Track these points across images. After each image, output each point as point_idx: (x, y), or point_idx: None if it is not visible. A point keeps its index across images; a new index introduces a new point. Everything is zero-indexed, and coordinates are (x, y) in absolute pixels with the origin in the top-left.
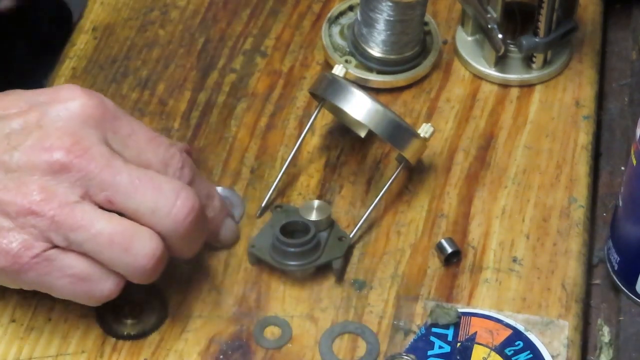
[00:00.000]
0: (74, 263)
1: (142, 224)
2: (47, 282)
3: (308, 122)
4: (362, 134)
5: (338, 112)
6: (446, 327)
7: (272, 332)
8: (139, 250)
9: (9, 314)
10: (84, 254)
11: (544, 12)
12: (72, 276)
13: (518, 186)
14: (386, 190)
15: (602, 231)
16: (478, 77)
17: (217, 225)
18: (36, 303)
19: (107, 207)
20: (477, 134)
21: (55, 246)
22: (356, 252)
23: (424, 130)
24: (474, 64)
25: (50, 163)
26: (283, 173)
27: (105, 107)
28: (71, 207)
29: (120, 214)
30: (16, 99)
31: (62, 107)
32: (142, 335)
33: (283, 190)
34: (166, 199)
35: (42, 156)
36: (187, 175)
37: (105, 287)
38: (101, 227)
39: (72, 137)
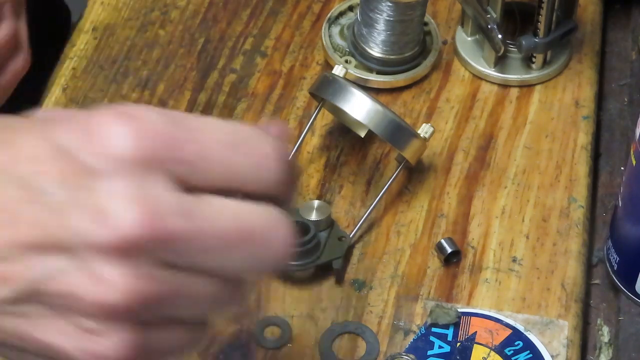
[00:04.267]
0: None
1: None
2: None
3: (308, 122)
4: (362, 134)
5: (338, 112)
6: (446, 327)
7: (272, 332)
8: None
9: None
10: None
11: (543, 12)
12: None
13: (518, 186)
14: (386, 190)
15: (601, 231)
16: (478, 77)
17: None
18: None
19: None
20: (477, 134)
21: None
22: (356, 252)
23: (424, 130)
24: (473, 64)
25: (118, 246)
26: None
27: (158, 134)
28: (162, 282)
29: None
30: (36, 145)
31: (102, 150)
32: None
33: None
34: (258, 262)
35: (104, 235)
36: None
37: None
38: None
39: (136, 200)
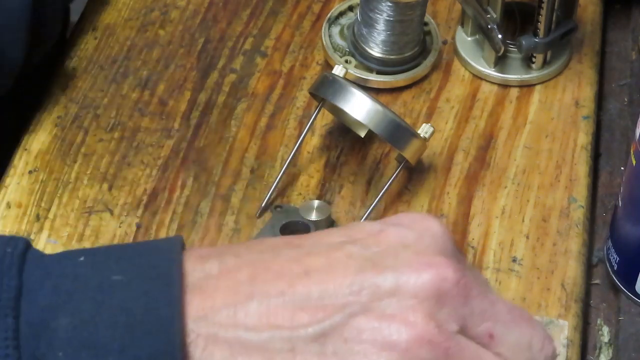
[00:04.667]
0: None
1: None
2: None
3: (308, 122)
4: (362, 134)
5: (338, 112)
6: None
7: None
8: None
9: None
10: None
11: (543, 12)
12: None
13: (518, 186)
14: (386, 190)
15: (601, 231)
16: (478, 77)
17: None
18: None
19: (484, 341)
20: (477, 134)
21: None
22: None
23: (424, 130)
24: (473, 64)
25: (436, 284)
26: (283, 173)
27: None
28: (458, 339)
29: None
30: (359, 226)
31: (420, 227)
32: None
33: (283, 190)
34: (539, 333)
35: (426, 275)
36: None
37: None
38: None
39: (447, 257)
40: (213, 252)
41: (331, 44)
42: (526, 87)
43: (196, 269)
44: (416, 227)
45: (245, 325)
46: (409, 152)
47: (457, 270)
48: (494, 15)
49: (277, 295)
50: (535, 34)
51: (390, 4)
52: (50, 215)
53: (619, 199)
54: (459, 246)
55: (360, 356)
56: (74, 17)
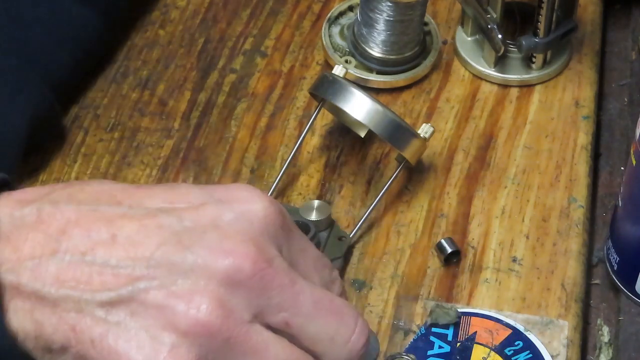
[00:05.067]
0: None
1: (313, 351)
2: None
3: (308, 122)
4: (362, 134)
5: (338, 112)
6: (446, 327)
7: None
8: None
9: None
10: None
11: (543, 12)
12: None
13: (518, 186)
14: (386, 190)
15: (601, 231)
16: (478, 77)
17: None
18: None
19: (281, 329)
20: (477, 134)
21: None
22: (356, 252)
23: (424, 130)
24: (473, 64)
25: (230, 272)
26: (283, 173)
27: (284, 217)
28: (247, 327)
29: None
30: (184, 193)
31: (241, 208)
32: None
33: (283, 190)
34: (347, 326)
35: (222, 262)
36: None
37: None
38: (275, 354)
39: (256, 244)
40: (34, 195)
41: (331, 44)
42: (526, 87)
43: (12, 214)
44: (237, 208)
45: (44, 280)
46: (409, 152)
47: (257, 262)
48: (494, 15)
49: (78, 255)
50: (535, 34)
51: (390, 4)
52: None
53: (619, 199)
54: (459, 246)
55: (142, 332)
56: None
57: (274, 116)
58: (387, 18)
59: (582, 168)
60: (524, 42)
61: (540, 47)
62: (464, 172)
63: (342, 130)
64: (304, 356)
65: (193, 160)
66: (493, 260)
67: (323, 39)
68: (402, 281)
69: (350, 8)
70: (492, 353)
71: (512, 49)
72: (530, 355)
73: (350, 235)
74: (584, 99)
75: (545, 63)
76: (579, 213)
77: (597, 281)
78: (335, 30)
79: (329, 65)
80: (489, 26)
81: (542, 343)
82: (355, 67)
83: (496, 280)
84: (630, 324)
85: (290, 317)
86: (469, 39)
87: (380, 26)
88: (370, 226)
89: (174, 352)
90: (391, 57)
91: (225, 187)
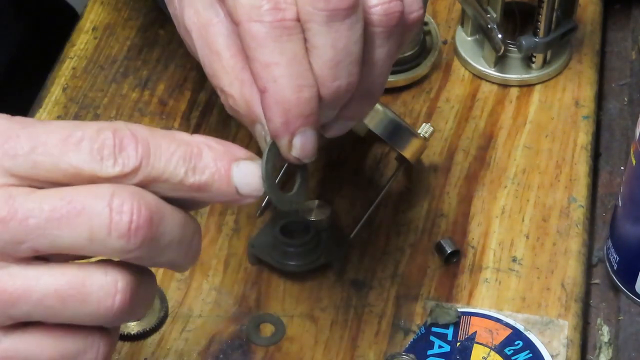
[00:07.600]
0: (34, 347)
1: (86, 257)
2: None
3: None
4: (362, 134)
5: None
6: (446, 326)
7: (265, 330)
8: (96, 293)
9: None
10: (40, 328)
11: (543, 12)
12: None
13: (518, 186)
14: (386, 190)
15: (601, 231)
16: (478, 77)
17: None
18: None
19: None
20: (477, 134)
21: None
22: (356, 252)
23: (424, 130)
24: (473, 64)
25: None
26: (283, 173)
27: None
28: None
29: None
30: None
31: None
32: (142, 335)
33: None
34: (98, 216)
35: None
36: (132, 157)
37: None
38: (43, 286)
39: None
40: None
41: None
42: (526, 87)
43: None
44: None
45: None
46: (409, 152)
47: None
48: (494, 15)
49: None
50: (535, 34)
51: None
52: None
53: (619, 198)
54: (459, 245)
55: None
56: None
57: None
58: None
59: (582, 168)
60: (524, 42)
61: (540, 47)
62: (463, 172)
63: None
64: (77, 269)
65: None
66: (493, 260)
67: None
68: (402, 281)
69: None
70: (492, 353)
71: (512, 48)
72: (530, 355)
73: (351, 236)
74: (584, 99)
75: (545, 63)
76: (579, 213)
77: (597, 281)
78: None
79: None
80: (489, 26)
81: (542, 343)
82: None
83: (496, 280)
84: (630, 324)
85: (33, 244)
86: (469, 38)
87: None
88: (370, 226)
89: None
90: None
91: None
